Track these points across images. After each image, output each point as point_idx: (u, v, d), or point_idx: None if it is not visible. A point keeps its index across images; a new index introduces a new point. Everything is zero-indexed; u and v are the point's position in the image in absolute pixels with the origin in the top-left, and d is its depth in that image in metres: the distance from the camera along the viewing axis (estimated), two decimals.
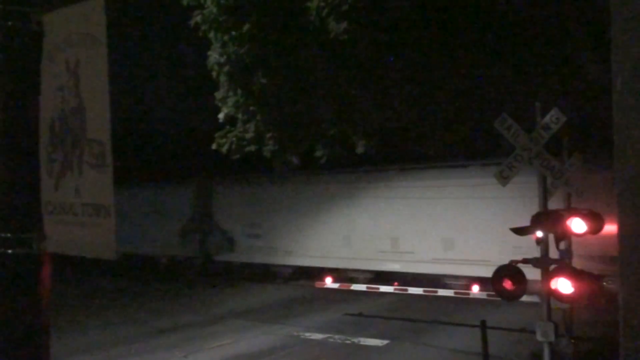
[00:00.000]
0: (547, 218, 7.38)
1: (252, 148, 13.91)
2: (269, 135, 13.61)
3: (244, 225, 23.17)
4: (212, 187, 24.85)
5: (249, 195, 23.37)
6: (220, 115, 13.60)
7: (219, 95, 13.48)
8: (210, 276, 23.82)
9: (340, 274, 20.88)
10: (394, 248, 19.32)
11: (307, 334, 14.50)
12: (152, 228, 26.09)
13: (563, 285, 6.98)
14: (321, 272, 21.09)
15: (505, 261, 7.25)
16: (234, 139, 13.86)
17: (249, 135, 13.65)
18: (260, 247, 22.66)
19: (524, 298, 7.38)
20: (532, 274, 7.38)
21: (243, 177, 23.67)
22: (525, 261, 7.34)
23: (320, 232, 21.11)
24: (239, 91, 13.02)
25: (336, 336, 14.11)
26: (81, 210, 3.00)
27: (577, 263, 9.27)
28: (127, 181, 27.82)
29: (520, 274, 7.11)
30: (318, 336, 14.27)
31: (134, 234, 26.25)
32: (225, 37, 12.40)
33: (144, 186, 27.47)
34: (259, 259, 22.84)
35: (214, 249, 24.43)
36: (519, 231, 7.62)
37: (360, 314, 16.60)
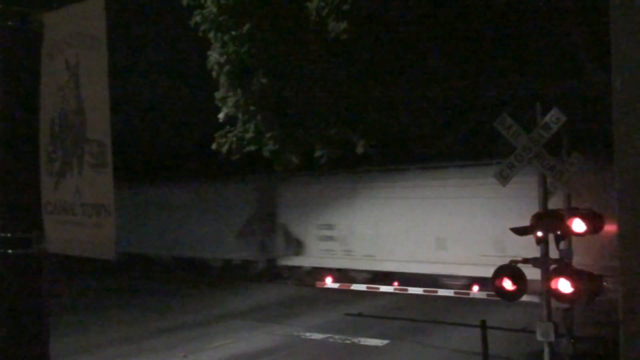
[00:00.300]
0: (547, 218, 7.39)
1: (252, 148, 13.92)
2: (269, 135, 13.62)
3: (315, 227, 20.87)
4: (276, 185, 22.54)
5: (321, 193, 21.04)
6: (220, 115, 13.61)
7: (219, 95, 13.48)
8: (273, 281, 22.13)
9: (430, 280, 18.66)
10: (499, 252, 16.69)
11: (307, 334, 14.49)
12: (204, 229, 23.57)
13: (563, 285, 6.98)
14: (407, 278, 18.95)
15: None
16: (234, 139, 13.87)
17: (249, 135, 13.66)
18: (335, 250, 20.45)
19: (524, 298, 7.38)
20: (532, 274, 7.38)
21: (314, 174, 21.26)
22: (525, 261, 7.34)
23: (407, 233, 18.71)
24: (239, 91, 13.03)
25: (336, 336, 14.10)
26: (81, 210, 2.99)
27: None
28: (172, 179, 26.10)
29: (520, 274, 7.11)
30: (318, 336, 14.27)
31: (180, 236, 24.18)
32: (225, 37, 12.41)
33: (193, 185, 25.03)
34: (333, 263, 20.58)
35: (278, 251, 22.19)
36: (519, 231, 7.62)
37: (360, 314, 16.59)
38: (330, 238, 20.54)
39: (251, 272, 22.90)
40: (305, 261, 21.47)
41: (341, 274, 20.71)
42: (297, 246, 21.46)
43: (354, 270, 20.34)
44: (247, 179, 23.13)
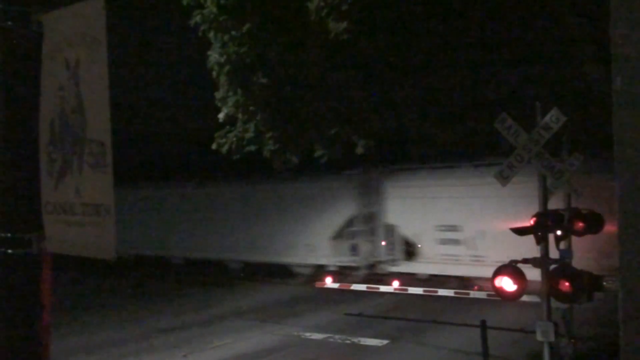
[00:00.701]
0: (547, 218, 7.39)
1: (252, 148, 13.91)
2: (269, 135, 13.61)
3: (434, 228, 18.22)
4: (381, 180, 19.92)
5: (442, 189, 18.21)
6: (220, 115, 13.60)
7: (219, 95, 13.48)
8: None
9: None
10: None
11: (307, 334, 14.50)
12: (289, 232, 21.08)
13: (563, 285, 6.99)
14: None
15: None
16: (234, 139, 13.86)
17: (249, 135, 13.64)
18: (459, 255, 17.83)
19: (524, 298, 7.39)
20: (532, 274, 7.38)
21: (430, 168, 18.73)
22: (525, 261, 7.35)
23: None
24: (239, 91, 13.02)
25: (336, 336, 14.11)
26: (81, 210, 2.99)
27: None
28: (243, 176, 22.72)
29: (520, 274, 7.11)
30: (318, 336, 14.27)
31: (258, 239, 21.76)
32: (225, 37, 12.40)
33: (272, 183, 21.98)
34: (456, 270, 17.95)
35: (383, 256, 19.73)
36: (519, 231, 7.62)
37: (360, 314, 16.59)
38: (453, 241, 17.94)
39: (350, 279, 20.21)
40: (420, 268, 18.86)
41: (464, 282, 18.04)
42: (408, 250, 19.09)
43: (482, 279, 17.03)
44: (345, 174, 20.34)
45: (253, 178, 22.39)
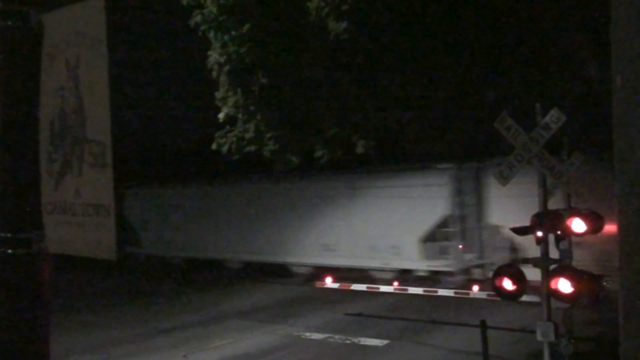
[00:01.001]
0: (547, 218, 7.39)
1: (252, 148, 13.92)
2: (269, 135, 13.62)
3: None
4: (481, 175, 17.89)
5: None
6: (220, 115, 13.62)
7: (219, 95, 13.50)
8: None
9: None
10: None
11: (307, 334, 14.49)
12: (367, 232, 19.24)
13: (563, 285, 6.99)
14: None
15: None
16: (234, 139, 13.87)
17: (249, 135, 13.66)
18: (578, 260, 14.55)
19: (524, 298, 7.39)
20: (532, 274, 7.38)
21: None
22: (525, 261, 7.35)
23: None
24: (239, 91, 13.04)
25: (336, 336, 14.10)
26: (81, 210, 3.00)
27: None
28: (314, 172, 19.90)
29: (520, 274, 7.11)
30: (318, 336, 14.27)
31: (330, 240, 20.09)
32: (225, 37, 12.42)
33: (347, 178, 19.93)
34: None
35: (483, 260, 17.99)
36: (519, 231, 7.63)
37: (360, 314, 16.58)
38: (576, 244, 15.68)
39: (443, 284, 18.09)
40: (529, 274, 16.69)
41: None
42: (514, 254, 17.18)
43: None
44: (437, 169, 18.37)
45: (326, 173, 20.05)
